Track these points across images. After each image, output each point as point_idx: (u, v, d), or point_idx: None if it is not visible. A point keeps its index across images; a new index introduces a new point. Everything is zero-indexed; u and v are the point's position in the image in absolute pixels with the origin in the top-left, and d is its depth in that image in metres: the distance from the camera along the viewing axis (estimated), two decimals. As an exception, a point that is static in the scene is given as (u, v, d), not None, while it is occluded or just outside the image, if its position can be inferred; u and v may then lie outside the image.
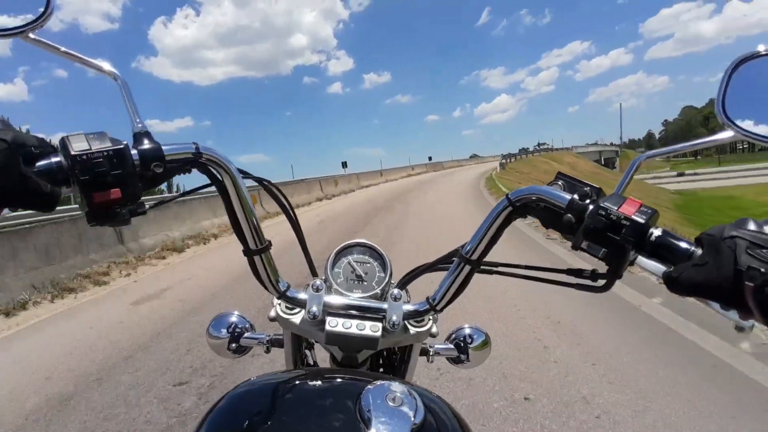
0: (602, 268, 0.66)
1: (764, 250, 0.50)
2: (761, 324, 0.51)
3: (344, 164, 31.84)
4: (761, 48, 0.62)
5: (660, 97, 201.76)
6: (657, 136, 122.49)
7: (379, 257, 0.92)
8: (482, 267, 0.79)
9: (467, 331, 1.01)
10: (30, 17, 0.66)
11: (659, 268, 0.60)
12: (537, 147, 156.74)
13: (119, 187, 0.59)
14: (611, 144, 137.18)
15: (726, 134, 0.64)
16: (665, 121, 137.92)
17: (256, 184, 0.87)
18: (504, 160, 44.33)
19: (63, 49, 0.70)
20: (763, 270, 0.48)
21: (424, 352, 0.97)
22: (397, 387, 0.59)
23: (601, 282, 0.68)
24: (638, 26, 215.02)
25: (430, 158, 61.14)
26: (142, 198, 0.63)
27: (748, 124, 0.62)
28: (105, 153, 0.58)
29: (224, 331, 0.99)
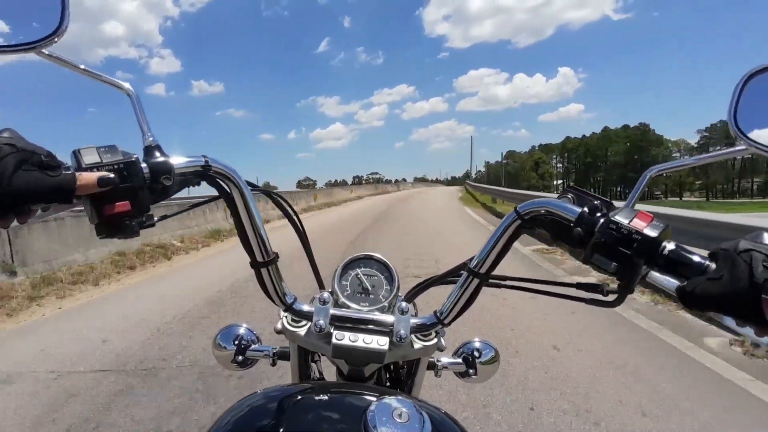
0: (613, 282, 0.65)
1: None
2: None
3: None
4: None
5: (467, 143, 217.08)
6: (474, 176, 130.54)
7: (386, 270, 0.91)
8: (490, 281, 0.79)
9: (476, 344, 1.01)
10: (44, 32, 0.66)
11: (672, 282, 0.59)
12: (370, 176, 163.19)
13: (129, 199, 0.59)
14: (436, 180, 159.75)
15: (739, 147, 0.64)
16: (487, 162, 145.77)
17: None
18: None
19: (78, 65, 0.71)
20: None
21: (432, 366, 0.96)
22: (404, 403, 0.58)
23: (612, 297, 0.67)
24: (452, 81, 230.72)
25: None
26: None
27: (761, 138, 0.61)
28: (115, 166, 0.59)
29: (231, 343, 0.99)
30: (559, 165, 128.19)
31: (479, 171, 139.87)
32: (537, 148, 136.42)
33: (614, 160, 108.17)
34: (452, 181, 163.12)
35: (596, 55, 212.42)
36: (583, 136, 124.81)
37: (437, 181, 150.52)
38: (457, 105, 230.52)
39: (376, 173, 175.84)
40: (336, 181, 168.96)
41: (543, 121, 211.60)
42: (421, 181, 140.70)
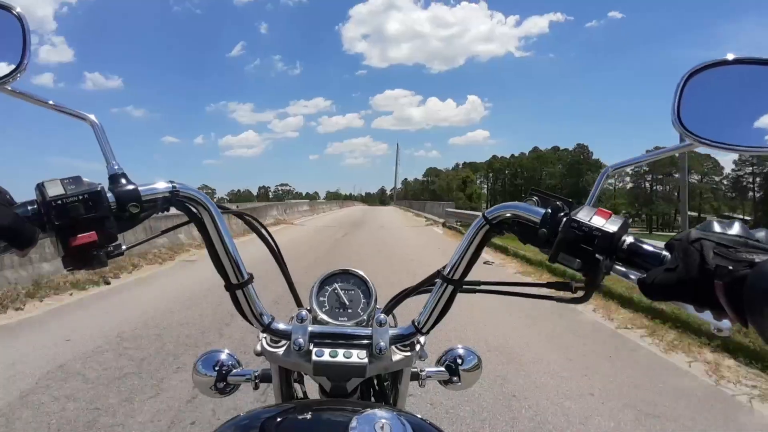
0: (581, 278, 0.68)
1: (730, 250, 0.52)
2: (734, 322, 0.52)
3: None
4: (708, 61, 0.66)
5: (381, 160, 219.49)
6: (389, 192, 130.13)
7: (363, 284, 0.92)
8: (464, 286, 0.81)
9: (459, 351, 1.02)
10: (6, 69, 0.68)
11: (635, 274, 0.62)
12: (279, 187, 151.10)
13: (95, 229, 0.60)
14: (349, 195, 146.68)
15: (685, 144, 0.67)
16: (405, 179, 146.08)
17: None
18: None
19: (41, 99, 0.71)
20: (731, 267, 0.50)
21: (415, 376, 0.96)
22: (385, 414, 0.58)
23: (581, 293, 0.70)
24: (369, 98, 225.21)
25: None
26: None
27: (704, 132, 0.65)
28: (80, 197, 0.59)
29: (212, 369, 0.97)
30: (484, 185, 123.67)
31: (393, 188, 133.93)
32: (461, 165, 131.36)
33: (549, 183, 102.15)
34: (367, 198, 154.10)
35: (501, 87, 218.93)
36: (512, 155, 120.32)
37: (351, 197, 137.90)
38: (373, 122, 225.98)
39: (286, 185, 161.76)
40: (239, 191, 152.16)
41: (453, 143, 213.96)
42: (335, 197, 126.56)
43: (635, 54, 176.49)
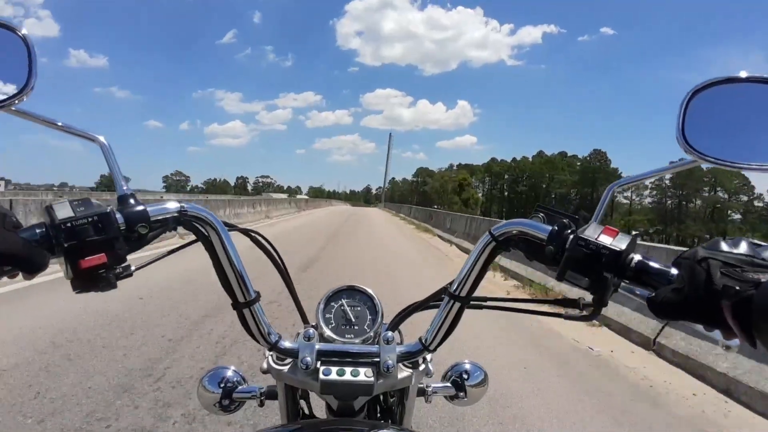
0: (588, 296, 0.67)
1: (737, 269, 0.52)
2: (743, 341, 0.51)
3: None
4: (713, 78, 0.66)
5: (368, 159, 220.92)
6: (374, 191, 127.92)
7: (369, 300, 0.91)
8: (471, 303, 0.80)
9: (465, 366, 1.01)
10: (12, 90, 0.67)
11: (643, 292, 0.62)
12: (259, 179, 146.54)
13: (104, 251, 0.59)
14: (333, 192, 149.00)
15: (689, 160, 0.67)
16: (393, 179, 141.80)
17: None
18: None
19: (49, 119, 0.71)
20: (738, 288, 0.50)
21: (422, 392, 0.96)
22: None
23: (588, 311, 0.69)
24: (359, 96, 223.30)
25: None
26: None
27: (708, 150, 0.64)
28: (89, 219, 0.59)
29: (217, 386, 0.96)
30: (479, 190, 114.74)
31: (380, 188, 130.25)
32: (455, 167, 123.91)
33: (559, 192, 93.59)
34: (351, 196, 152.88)
35: (491, 94, 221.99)
36: (513, 159, 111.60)
37: (336, 195, 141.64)
38: (362, 120, 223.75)
39: (267, 177, 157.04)
40: (216, 180, 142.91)
41: (440, 147, 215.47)
42: (318, 195, 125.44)
43: (625, 70, 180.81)
